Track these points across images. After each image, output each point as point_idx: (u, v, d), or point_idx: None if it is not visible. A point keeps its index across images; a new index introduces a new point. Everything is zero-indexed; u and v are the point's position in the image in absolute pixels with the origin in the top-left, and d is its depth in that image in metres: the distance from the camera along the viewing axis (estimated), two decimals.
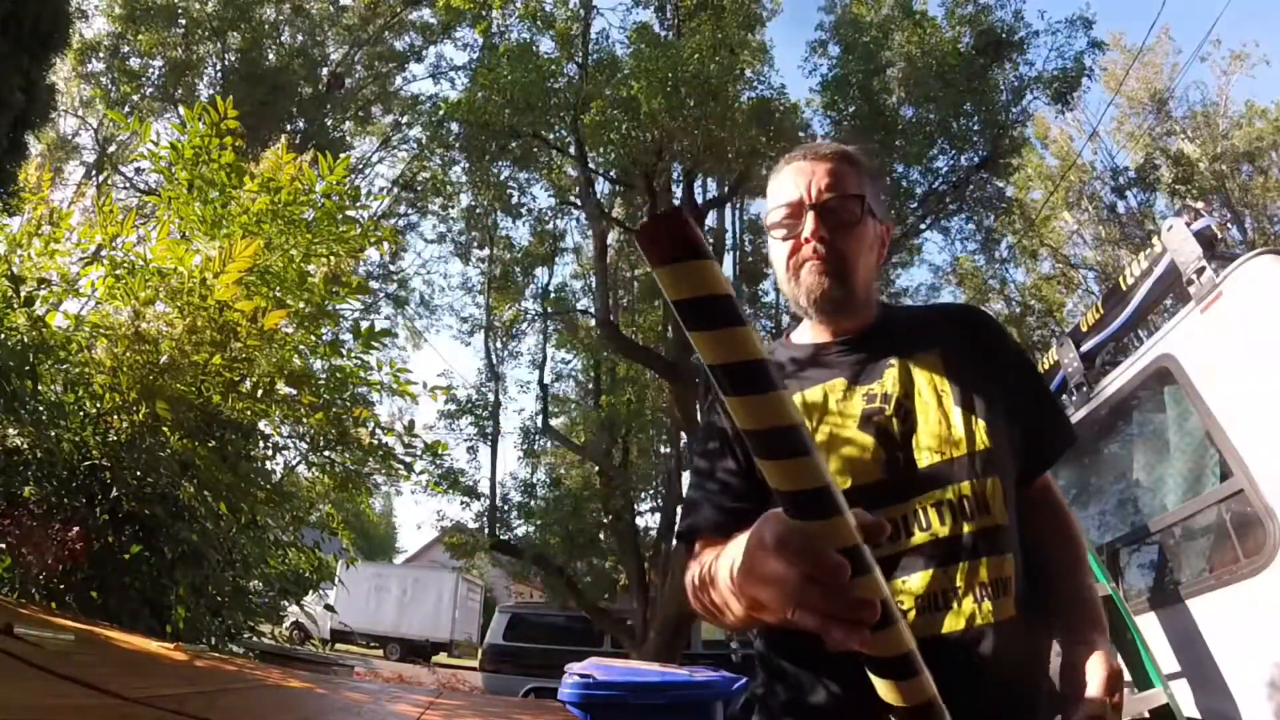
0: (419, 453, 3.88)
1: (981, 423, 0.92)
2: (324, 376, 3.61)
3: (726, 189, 10.94)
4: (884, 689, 0.48)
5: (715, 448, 1.01)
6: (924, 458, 0.91)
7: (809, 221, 0.96)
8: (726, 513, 0.95)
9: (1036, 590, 0.94)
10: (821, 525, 0.43)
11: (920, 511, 0.89)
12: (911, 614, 0.85)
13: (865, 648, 0.46)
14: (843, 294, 0.97)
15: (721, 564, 0.71)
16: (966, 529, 0.88)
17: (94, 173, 13.77)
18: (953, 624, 0.85)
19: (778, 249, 1.01)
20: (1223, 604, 2.44)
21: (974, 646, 0.84)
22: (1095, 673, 0.87)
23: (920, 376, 0.96)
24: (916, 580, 0.87)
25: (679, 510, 1.04)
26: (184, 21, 13.05)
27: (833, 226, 0.96)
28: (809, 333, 1.07)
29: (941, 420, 0.93)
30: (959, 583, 0.86)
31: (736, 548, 0.68)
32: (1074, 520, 1.06)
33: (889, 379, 0.96)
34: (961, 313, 1.11)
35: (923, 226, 11.59)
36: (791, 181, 0.99)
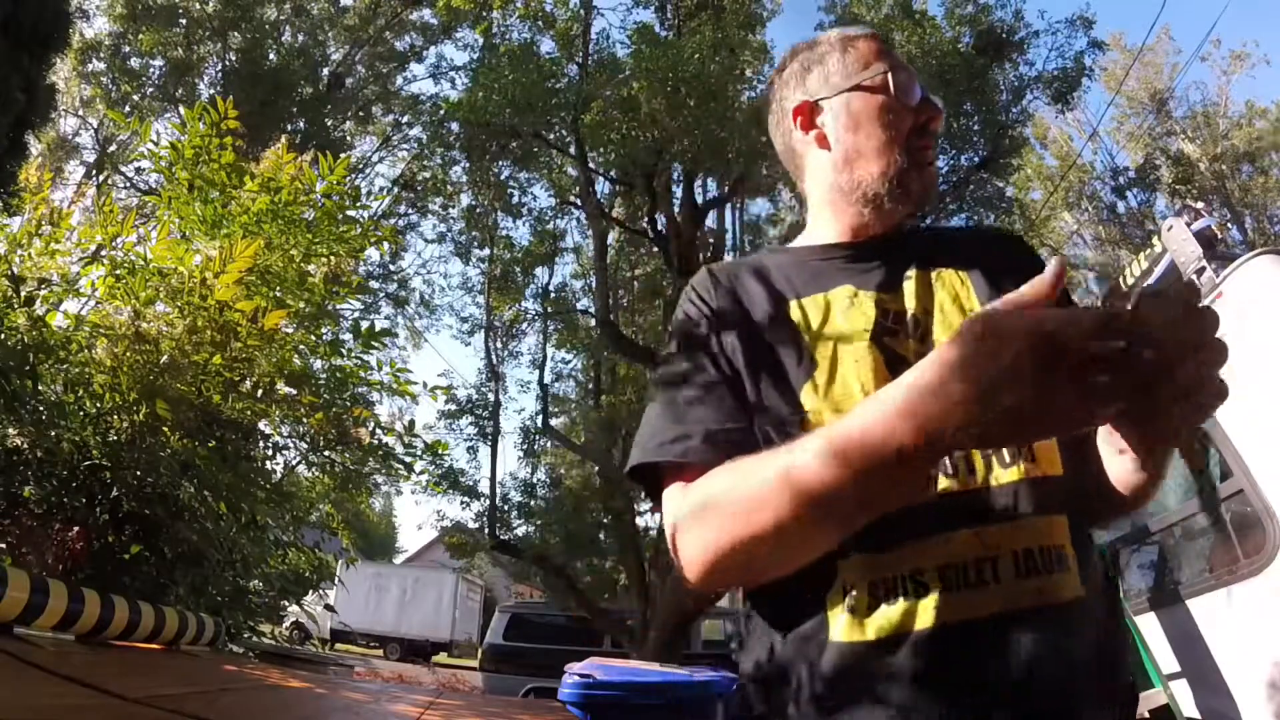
0: (419, 453, 3.89)
1: None
2: (324, 376, 3.61)
3: (726, 189, 10.92)
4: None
5: (694, 359, 0.81)
6: None
7: (931, 124, 0.85)
8: (716, 437, 0.73)
9: (1104, 572, 0.75)
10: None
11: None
12: (935, 591, 0.65)
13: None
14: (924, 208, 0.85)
15: (809, 448, 0.57)
16: (1005, 478, 0.69)
17: (94, 173, 13.78)
18: (990, 605, 0.65)
19: (883, 115, 0.84)
20: (1223, 604, 2.44)
21: (1020, 633, 0.65)
22: None
23: (942, 293, 0.80)
24: (941, 545, 0.67)
25: (637, 438, 0.77)
26: (185, 21, 13.05)
27: None
28: (817, 235, 0.90)
29: None
30: (998, 549, 0.66)
31: (859, 416, 0.54)
32: None
33: (906, 292, 0.80)
34: (993, 232, 0.94)
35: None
36: (903, 69, 0.86)
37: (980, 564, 0.66)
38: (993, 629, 0.65)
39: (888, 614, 0.66)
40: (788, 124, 0.92)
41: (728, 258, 12.13)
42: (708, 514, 0.66)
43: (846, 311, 0.79)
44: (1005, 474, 0.70)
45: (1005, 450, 0.70)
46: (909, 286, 0.80)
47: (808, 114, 0.89)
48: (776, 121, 0.95)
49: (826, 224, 0.89)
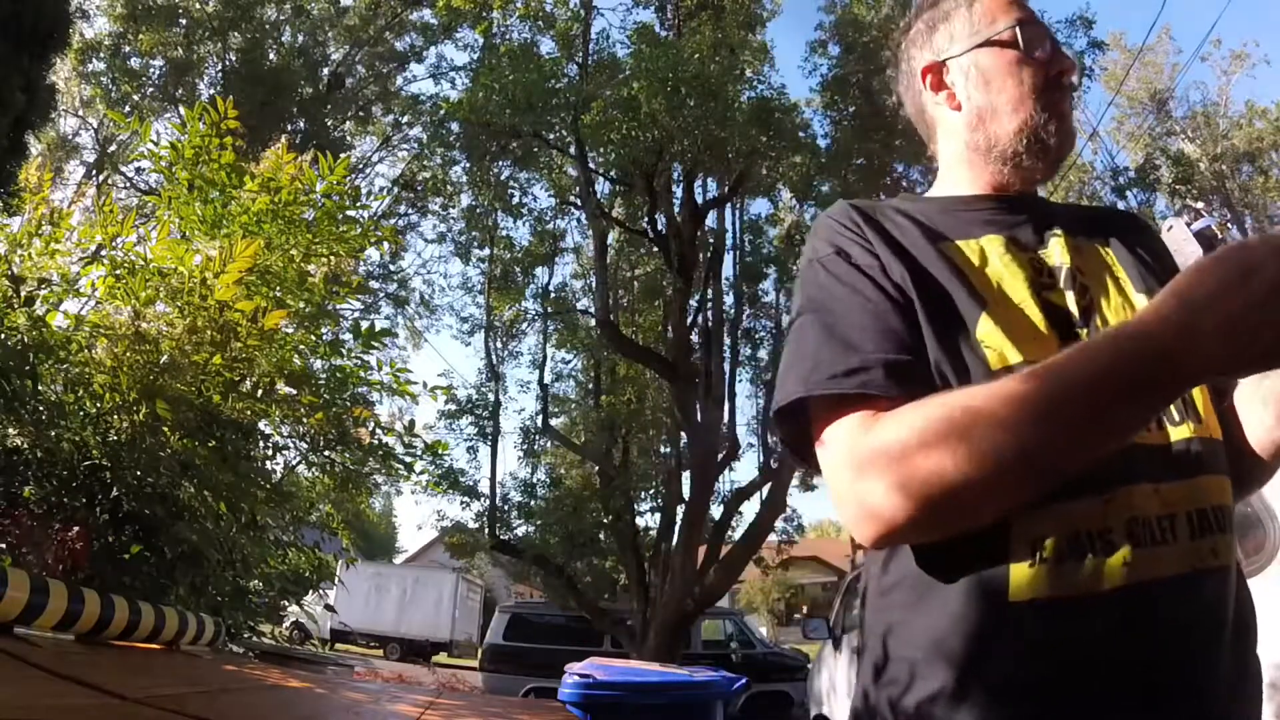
0: (419, 453, 3.88)
1: None
2: (324, 376, 3.61)
3: (726, 189, 10.93)
4: None
5: (855, 283, 0.74)
6: None
7: (1064, 77, 0.82)
8: (898, 370, 0.68)
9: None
10: None
11: None
12: (1125, 548, 0.63)
13: None
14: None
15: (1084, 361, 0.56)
16: (1178, 435, 0.68)
17: (94, 173, 13.79)
18: (1173, 564, 0.63)
19: (1014, 70, 0.82)
20: None
21: (1201, 595, 0.64)
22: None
23: (1090, 255, 0.79)
24: (1124, 498, 0.64)
25: (790, 374, 0.72)
26: (185, 21, 13.06)
27: None
28: (953, 190, 0.87)
29: (1126, 305, 0.75)
30: (1175, 507, 0.65)
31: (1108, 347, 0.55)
32: None
33: (1056, 249, 0.78)
34: (1123, 214, 0.93)
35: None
36: (1033, 22, 0.84)
37: (1161, 521, 0.64)
38: (1176, 590, 0.63)
39: (1079, 570, 0.63)
40: (917, 86, 0.90)
41: (728, 258, 12.18)
42: (924, 450, 0.59)
43: (1003, 257, 0.76)
44: (1176, 431, 0.69)
45: (1173, 407, 0.69)
46: (1056, 243, 0.79)
47: (936, 74, 0.87)
48: (906, 85, 0.93)
49: (964, 181, 0.86)
